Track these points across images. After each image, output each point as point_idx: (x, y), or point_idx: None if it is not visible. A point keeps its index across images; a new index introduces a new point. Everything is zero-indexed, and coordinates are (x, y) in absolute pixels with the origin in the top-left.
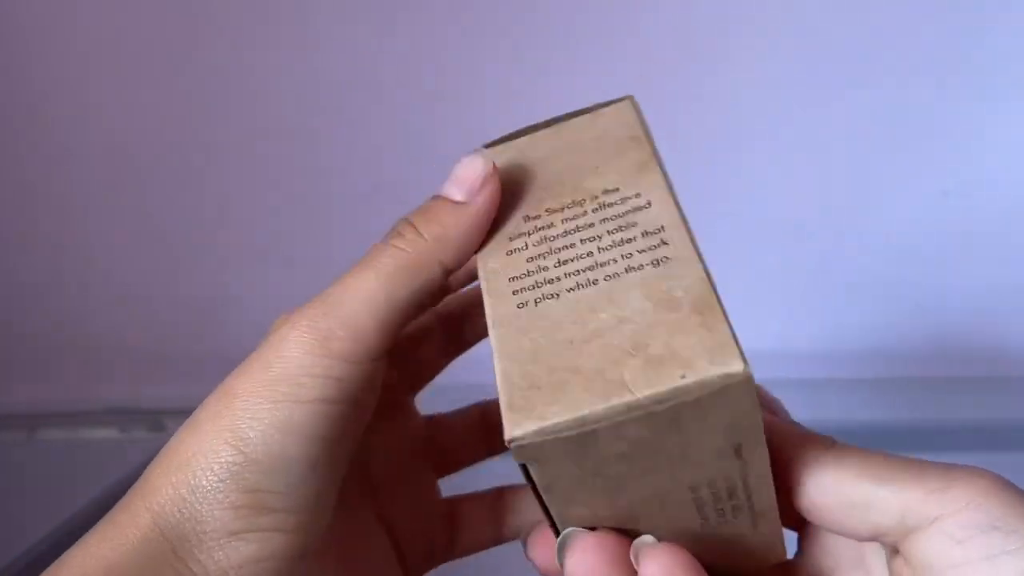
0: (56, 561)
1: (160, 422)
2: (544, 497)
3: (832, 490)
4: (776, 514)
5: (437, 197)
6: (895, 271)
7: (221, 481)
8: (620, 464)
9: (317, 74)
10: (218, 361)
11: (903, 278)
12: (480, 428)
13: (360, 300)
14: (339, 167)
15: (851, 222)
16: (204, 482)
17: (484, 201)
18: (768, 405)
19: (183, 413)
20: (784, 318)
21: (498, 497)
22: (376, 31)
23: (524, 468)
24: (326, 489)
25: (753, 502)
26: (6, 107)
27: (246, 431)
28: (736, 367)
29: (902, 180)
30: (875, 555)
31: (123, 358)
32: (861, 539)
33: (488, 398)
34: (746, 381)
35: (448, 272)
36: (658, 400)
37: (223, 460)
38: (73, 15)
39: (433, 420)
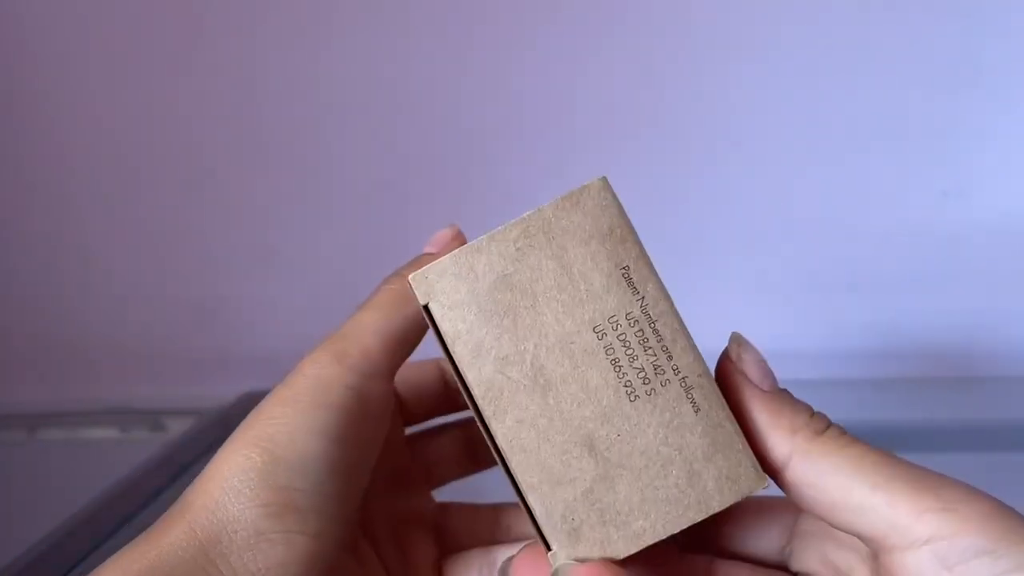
0: (98, 567)
1: (160, 422)
2: (454, 354)
3: (820, 481)
4: (717, 399)
5: (418, 255)
6: (895, 271)
7: (251, 480)
8: (510, 292)
9: (316, 75)
10: (218, 361)
11: (903, 278)
12: (490, 519)
13: (364, 327)
14: (338, 168)
15: (851, 222)
16: (235, 482)
17: (450, 252)
18: (738, 361)
19: (183, 413)
20: (784, 318)
21: (487, 552)
22: (374, 33)
23: (434, 325)
24: (345, 493)
25: (677, 365)
26: (6, 107)
27: (273, 433)
28: (594, 179)
29: (902, 180)
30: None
31: (123, 358)
32: (840, 530)
33: (501, 501)
34: (601, 182)
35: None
36: (531, 215)
37: (253, 460)
38: (74, 15)
39: (445, 506)
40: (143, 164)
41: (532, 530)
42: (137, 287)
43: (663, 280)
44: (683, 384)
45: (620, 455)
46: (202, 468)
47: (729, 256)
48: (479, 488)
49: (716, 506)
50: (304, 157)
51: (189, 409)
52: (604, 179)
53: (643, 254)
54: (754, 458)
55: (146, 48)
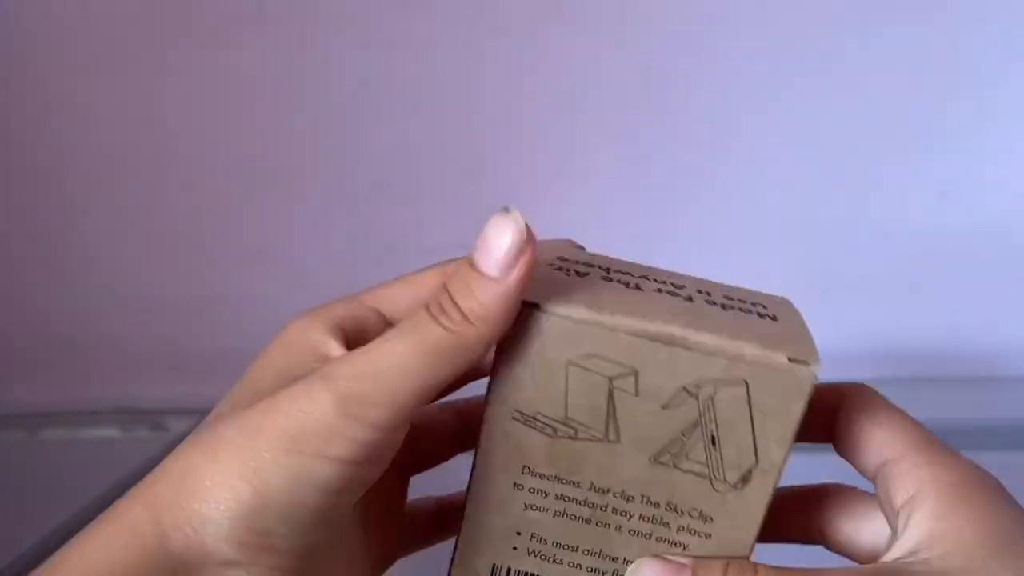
0: (48, 563)
1: (160, 422)
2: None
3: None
4: None
5: (471, 267)
6: (895, 271)
7: (234, 518)
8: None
9: (314, 75)
10: (218, 361)
11: (903, 278)
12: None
13: (401, 373)
14: (337, 168)
15: (850, 223)
16: (216, 516)
17: (518, 278)
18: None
19: (183, 413)
20: None
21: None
22: (373, 33)
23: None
24: (332, 537)
25: None
26: (5, 108)
27: (266, 476)
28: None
29: (900, 181)
30: None
31: (123, 358)
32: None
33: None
34: None
35: (488, 349)
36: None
37: (240, 498)
38: (73, 14)
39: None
40: (143, 164)
41: None
42: (137, 287)
43: None
44: None
45: None
46: None
47: (728, 256)
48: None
49: None
50: (304, 157)
51: (189, 409)
52: None
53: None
54: None
55: (145, 48)
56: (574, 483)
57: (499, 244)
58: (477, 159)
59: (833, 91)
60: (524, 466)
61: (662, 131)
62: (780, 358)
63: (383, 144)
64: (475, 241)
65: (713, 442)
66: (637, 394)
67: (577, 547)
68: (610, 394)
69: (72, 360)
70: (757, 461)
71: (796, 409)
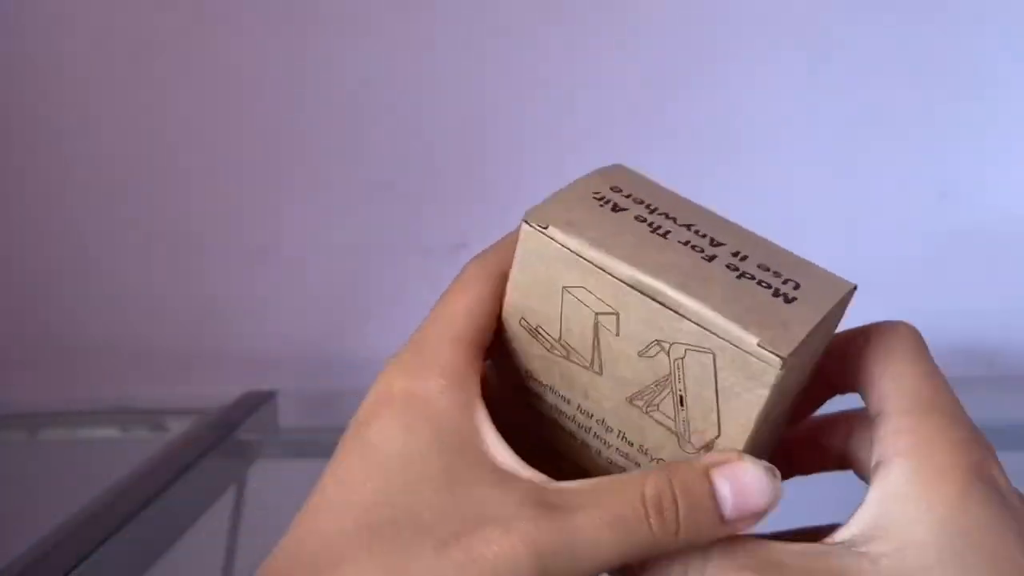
0: None
1: (160, 422)
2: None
3: None
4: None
5: (711, 485)
6: (894, 272)
7: None
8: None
9: (314, 75)
10: (218, 361)
11: (902, 278)
12: None
13: (592, 558)
14: (337, 168)
15: (849, 223)
16: None
17: (739, 530)
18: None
19: (183, 413)
20: None
21: None
22: (372, 34)
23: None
24: None
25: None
26: (5, 108)
27: None
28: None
29: (900, 182)
30: None
31: (123, 358)
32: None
33: None
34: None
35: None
36: None
37: None
38: (73, 18)
39: None
40: (143, 164)
41: None
42: (137, 287)
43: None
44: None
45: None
46: (202, 469)
47: None
48: None
49: None
50: (304, 157)
51: (189, 409)
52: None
53: None
54: None
55: (145, 48)
56: (565, 399)
57: (752, 498)
58: (477, 159)
59: (833, 91)
60: (528, 370)
61: (662, 131)
62: (750, 340)
63: (383, 144)
64: (731, 466)
65: (681, 402)
66: (618, 334)
67: (564, 454)
68: (595, 327)
69: (72, 360)
70: (719, 435)
71: (759, 395)
